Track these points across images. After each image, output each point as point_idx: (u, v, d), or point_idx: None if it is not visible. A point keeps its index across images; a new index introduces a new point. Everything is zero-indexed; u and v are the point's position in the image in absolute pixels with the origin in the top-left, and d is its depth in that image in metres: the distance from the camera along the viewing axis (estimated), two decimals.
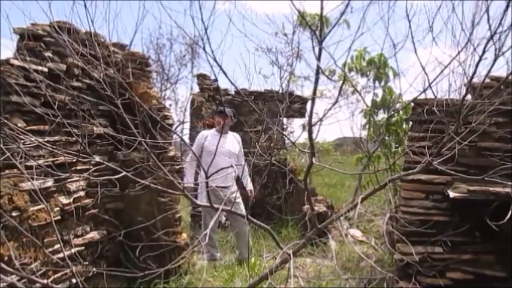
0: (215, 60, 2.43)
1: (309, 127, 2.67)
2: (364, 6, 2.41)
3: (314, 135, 2.74)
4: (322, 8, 2.22)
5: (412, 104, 3.98)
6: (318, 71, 2.45)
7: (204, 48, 2.38)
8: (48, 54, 3.50)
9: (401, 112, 5.31)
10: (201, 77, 7.33)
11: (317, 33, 2.30)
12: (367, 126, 5.97)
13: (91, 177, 3.43)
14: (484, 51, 2.41)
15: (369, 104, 5.91)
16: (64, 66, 3.67)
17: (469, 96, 3.61)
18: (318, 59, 2.33)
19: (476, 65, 2.48)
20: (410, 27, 2.46)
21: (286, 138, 7.71)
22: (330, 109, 3.23)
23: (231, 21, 2.65)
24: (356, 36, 2.48)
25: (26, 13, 3.16)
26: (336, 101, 3.12)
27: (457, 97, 3.98)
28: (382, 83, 5.79)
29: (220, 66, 2.46)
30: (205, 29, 2.33)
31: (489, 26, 2.34)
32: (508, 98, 3.43)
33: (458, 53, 2.72)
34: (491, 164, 3.41)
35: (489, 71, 2.58)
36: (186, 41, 9.68)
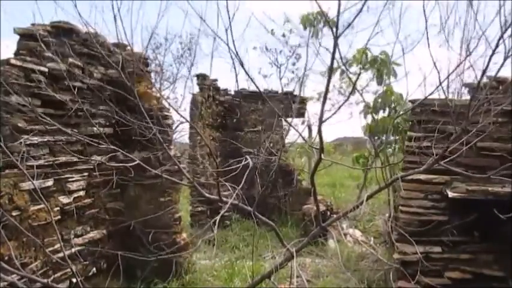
0: (237, 55, 2.45)
1: (319, 122, 2.69)
2: (378, 7, 2.45)
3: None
4: (339, 6, 2.26)
5: (411, 104, 3.99)
6: (332, 66, 2.47)
7: (227, 44, 2.41)
8: (48, 54, 3.51)
9: (401, 112, 5.29)
10: (201, 77, 7.33)
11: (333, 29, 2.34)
12: (369, 124, 5.94)
13: (106, 163, 3.47)
14: (497, 45, 2.40)
15: (371, 103, 5.89)
16: (64, 66, 3.68)
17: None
18: (333, 53, 2.37)
19: (489, 59, 2.47)
20: (426, 27, 2.46)
21: (287, 136, 7.72)
22: (341, 105, 3.25)
23: (253, 15, 2.69)
24: (372, 34, 2.51)
25: (26, 13, 3.16)
26: (348, 97, 3.17)
27: (455, 96, 3.98)
28: (387, 81, 5.76)
29: (240, 60, 2.49)
30: (230, 22, 2.35)
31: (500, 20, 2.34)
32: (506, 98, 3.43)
33: (470, 53, 2.71)
34: (491, 164, 3.42)
35: (499, 69, 2.58)
36: (182, 41, 9.61)
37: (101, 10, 3.15)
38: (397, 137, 5.61)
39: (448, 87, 2.76)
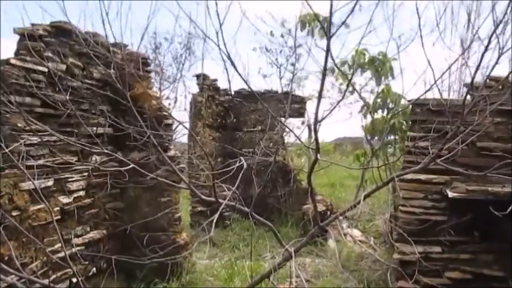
0: (229, 57, 2.45)
1: (315, 122, 2.69)
2: (370, 5, 2.45)
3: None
4: (331, 6, 2.26)
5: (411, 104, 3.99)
6: (326, 66, 2.47)
7: (218, 45, 2.41)
8: (48, 54, 3.50)
9: (397, 111, 5.31)
10: (201, 77, 7.32)
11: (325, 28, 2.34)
12: (367, 123, 5.95)
13: (101, 167, 3.45)
14: (489, 42, 2.41)
15: (370, 103, 5.90)
16: (64, 66, 3.67)
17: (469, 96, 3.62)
18: (327, 52, 2.37)
19: (482, 55, 2.47)
20: (420, 25, 2.47)
21: (287, 137, 7.72)
22: (336, 104, 3.25)
23: (244, 15, 2.67)
24: (365, 33, 2.51)
25: (24, 14, 3.12)
26: (343, 97, 3.15)
27: (455, 96, 3.98)
28: (385, 81, 5.77)
29: (232, 62, 2.48)
30: (220, 24, 2.34)
31: (493, 19, 2.35)
32: (507, 98, 3.43)
33: (465, 50, 2.73)
34: (491, 164, 3.42)
35: (493, 67, 2.59)
36: (182, 41, 9.58)
37: (90, 13, 3.13)
38: (397, 137, 5.62)
39: (449, 86, 2.77)
